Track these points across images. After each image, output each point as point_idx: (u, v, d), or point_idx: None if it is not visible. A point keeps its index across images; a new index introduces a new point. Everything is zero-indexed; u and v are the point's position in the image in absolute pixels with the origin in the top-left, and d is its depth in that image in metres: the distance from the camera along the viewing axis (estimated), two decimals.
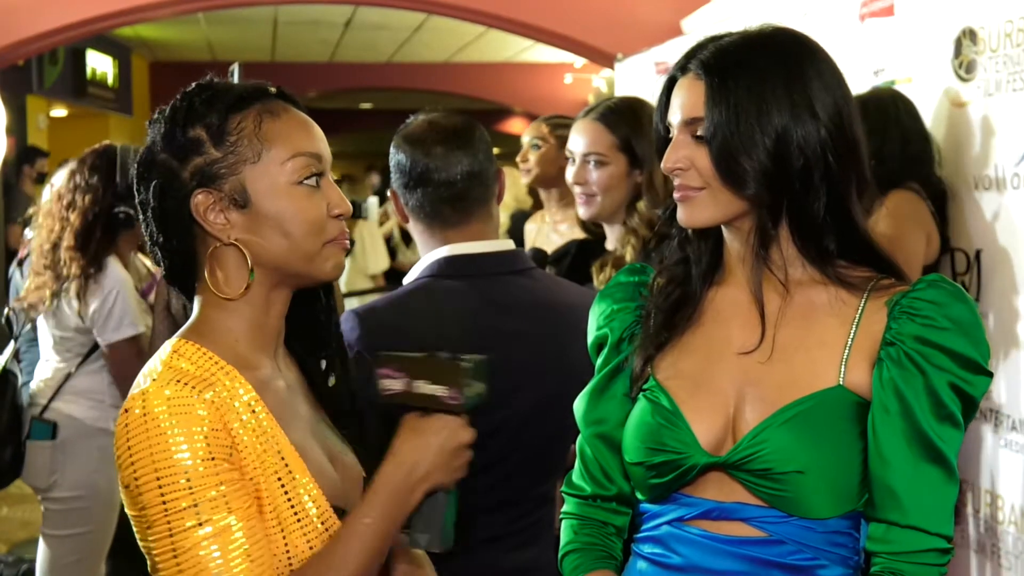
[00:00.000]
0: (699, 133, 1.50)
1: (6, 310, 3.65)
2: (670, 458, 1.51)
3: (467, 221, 2.11)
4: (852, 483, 1.48)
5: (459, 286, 2.10)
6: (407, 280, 2.18)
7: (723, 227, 1.56)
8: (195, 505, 1.34)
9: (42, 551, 3.48)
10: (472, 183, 2.11)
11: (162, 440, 1.34)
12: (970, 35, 2.78)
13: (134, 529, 1.44)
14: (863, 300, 1.51)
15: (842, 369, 1.48)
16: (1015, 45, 2.60)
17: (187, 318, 1.52)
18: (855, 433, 1.48)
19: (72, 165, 3.41)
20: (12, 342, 3.58)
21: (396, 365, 1.41)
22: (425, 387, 1.42)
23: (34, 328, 3.62)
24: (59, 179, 3.43)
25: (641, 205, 2.59)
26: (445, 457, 1.44)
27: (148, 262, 3.64)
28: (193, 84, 1.49)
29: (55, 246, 3.33)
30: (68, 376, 3.45)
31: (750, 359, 1.53)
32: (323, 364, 1.59)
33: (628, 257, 2.56)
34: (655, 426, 1.52)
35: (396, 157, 2.14)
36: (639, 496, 1.60)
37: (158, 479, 1.34)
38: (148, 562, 1.42)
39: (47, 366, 3.53)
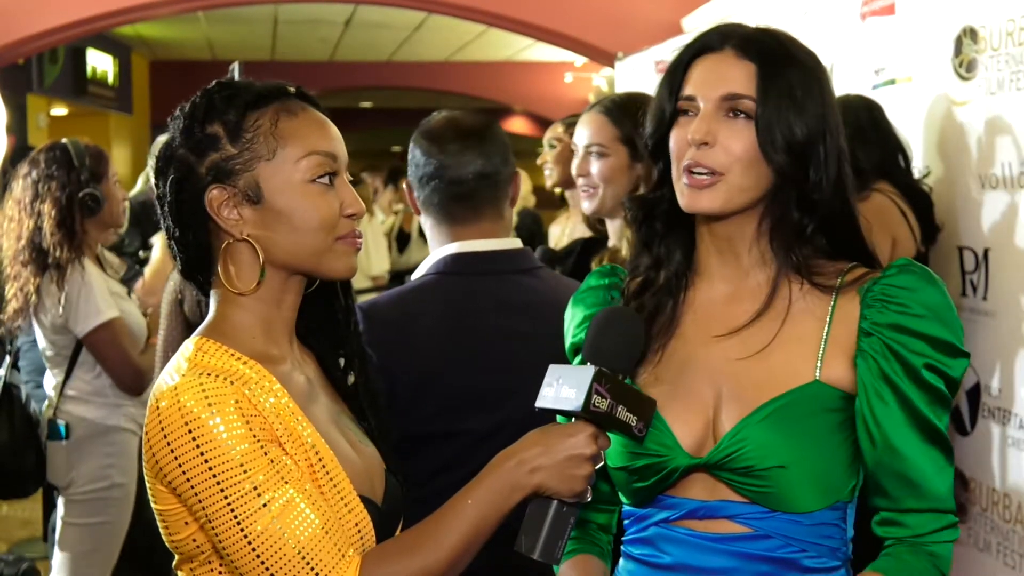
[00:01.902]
0: (740, 109, 1.49)
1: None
2: (652, 461, 1.52)
3: (476, 220, 2.15)
4: (836, 475, 1.49)
5: (464, 283, 2.13)
6: (415, 276, 2.20)
7: (711, 224, 1.56)
8: (255, 488, 1.35)
9: (58, 542, 3.54)
10: (482, 183, 2.14)
11: (205, 430, 1.35)
12: (971, 34, 2.77)
13: (163, 527, 1.45)
14: (835, 292, 1.53)
15: (818, 364, 1.50)
16: (1017, 44, 2.59)
17: (201, 317, 1.54)
18: (835, 426, 1.50)
19: (24, 169, 3.47)
20: (7, 356, 3.64)
21: (608, 386, 1.40)
22: (623, 413, 1.42)
23: (29, 331, 3.67)
24: (15, 185, 3.47)
25: None
26: (560, 461, 1.41)
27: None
28: (213, 82, 1.51)
29: (31, 242, 3.37)
30: (65, 382, 3.50)
31: (728, 359, 1.54)
32: (341, 362, 1.60)
33: (624, 251, 2.58)
34: None
35: (413, 151, 2.18)
36: (623, 500, 1.61)
37: (210, 469, 1.34)
38: (196, 556, 1.42)
39: (49, 373, 3.60)
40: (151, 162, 1.52)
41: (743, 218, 1.54)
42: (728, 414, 1.51)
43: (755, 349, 1.52)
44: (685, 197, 1.52)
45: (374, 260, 8.80)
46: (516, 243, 2.22)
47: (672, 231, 1.61)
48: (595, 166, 2.66)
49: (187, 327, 2.93)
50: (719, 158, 1.49)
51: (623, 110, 2.69)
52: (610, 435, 1.52)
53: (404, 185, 2.24)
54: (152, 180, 1.53)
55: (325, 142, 1.49)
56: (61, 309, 3.39)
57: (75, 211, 3.39)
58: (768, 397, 1.49)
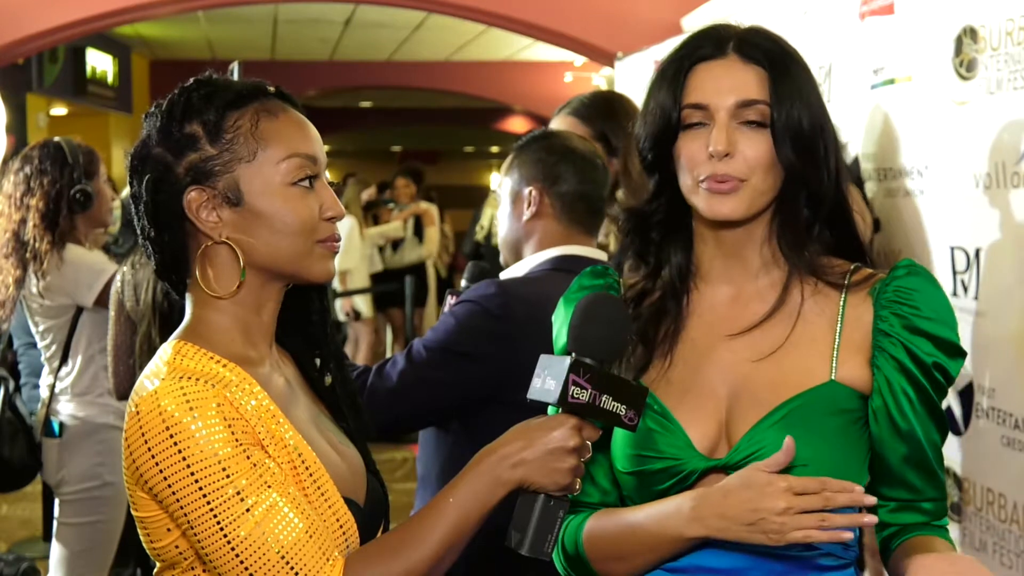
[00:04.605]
0: (754, 117, 1.49)
1: None
2: (668, 464, 1.51)
3: (592, 231, 2.46)
4: (851, 475, 1.49)
5: (557, 278, 2.30)
6: (518, 270, 2.43)
7: (716, 230, 1.56)
8: (238, 493, 1.33)
9: (54, 542, 3.59)
10: (605, 204, 2.47)
11: (186, 434, 1.33)
12: (971, 33, 2.77)
13: (143, 534, 1.43)
14: (843, 292, 1.54)
15: (833, 364, 1.51)
16: (1016, 43, 2.59)
17: (162, 316, 1.53)
18: (850, 425, 1.51)
19: (16, 165, 3.53)
20: None
21: (588, 376, 1.38)
22: (609, 403, 1.40)
23: (29, 333, 3.70)
24: (6, 182, 3.54)
25: (620, 194, 2.65)
26: (543, 455, 1.40)
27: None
28: (191, 79, 1.48)
29: (15, 235, 3.44)
30: (56, 380, 3.52)
31: (739, 360, 1.54)
32: (318, 362, 1.59)
33: (611, 246, 2.63)
34: (647, 431, 1.51)
35: (560, 162, 2.41)
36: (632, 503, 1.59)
37: (192, 474, 1.32)
38: (179, 563, 1.41)
39: (45, 371, 3.64)
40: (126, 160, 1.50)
41: (756, 221, 1.54)
42: (743, 415, 1.50)
43: (768, 350, 1.52)
44: (706, 204, 1.51)
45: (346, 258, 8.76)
46: (603, 255, 2.49)
47: (668, 238, 1.60)
48: None
49: (132, 330, 2.97)
50: (740, 167, 1.49)
51: (593, 109, 2.76)
52: (617, 435, 1.51)
53: (535, 190, 2.41)
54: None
55: (306, 144, 1.47)
56: (43, 298, 3.43)
57: (62, 206, 3.45)
58: (784, 398, 1.49)
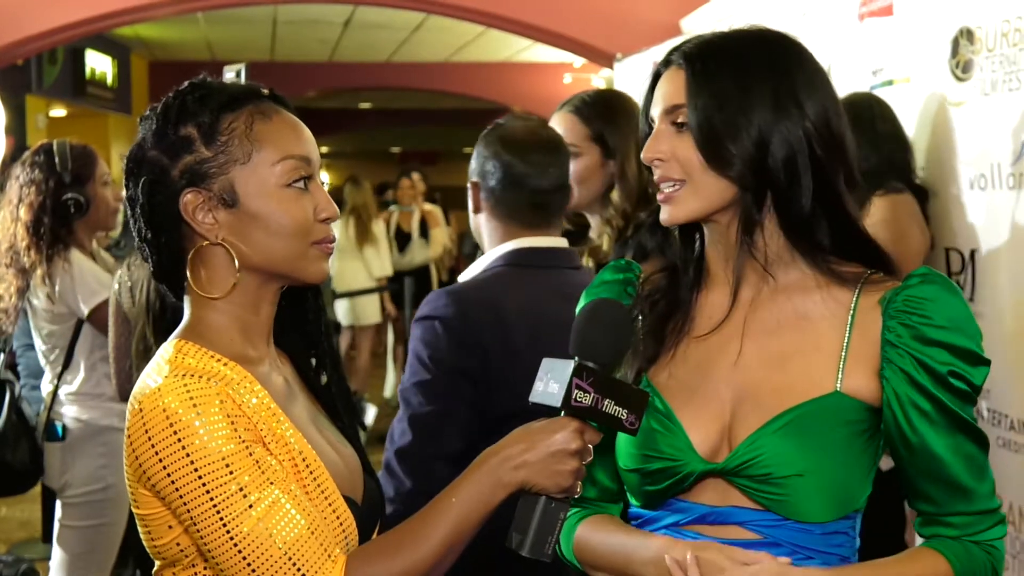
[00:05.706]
0: (680, 120, 1.51)
1: None
2: (666, 465, 1.51)
3: (546, 226, 2.31)
4: (852, 487, 1.49)
5: (530, 275, 2.26)
6: (473, 269, 2.34)
7: (705, 227, 1.56)
8: (241, 489, 1.34)
9: (56, 544, 3.58)
10: (557, 194, 2.32)
11: (190, 430, 1.34)
12: (967, 35, 2.78)
13: (144, 532, 1.44)
14: (855, 297, 1.52)
15: (839, 375, 1.49)
16: (1011, 45, 2.60)
17: (163, 318, 1.52)
18: (854, 437, 1.49)
19: (17, 170, 3.52)
20: (2, 353, 3.68)
21: (591, 380, 1.40)
22: (611, 407, 1.41)
23: (27, 335, 3.70)
24: (8, 188, 3.53)
25: (615, 196, 2.64)
26: (545, 457, 1.41)
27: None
28: (186, 82, 1.49)
29: (11, 246, 3.44)
30: (59, 383, 3.52)
31: (747, 363, 1.53)
32: (313, 362, 1.61)
33: (605, 246, 2.63)
34: (650, 431, 1.52)
35: (491, 156, 2.31)
36: (632, 501, 1.60)
37: (196, 470, 1.34)
38: (181, 560, 1.42)
39: (46, 375, 3.63)
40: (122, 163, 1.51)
41: (726, 223, 1.53)
42: (745, 420, 1.50)
43: (775, 354, 1.51)
44: (663, 212, 1.55)
45: (378, 262, 8.80)
46: (564, 242, 2.36)
47: (685, 235, 1.61)
48: (569, 166, 2.68)
49: (130, 331, 2.98)
50: (675, 170, 1.51)
51: (592, 108, 2.74)
52: (620, 434, 1.52)
53: (470, 184, 2.33)
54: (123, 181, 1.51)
55: (300, 146, 1.48)
56: (53, 303, 3.43)
57: (44, 217, 3.42)
58: (787, 405, 1.48)
